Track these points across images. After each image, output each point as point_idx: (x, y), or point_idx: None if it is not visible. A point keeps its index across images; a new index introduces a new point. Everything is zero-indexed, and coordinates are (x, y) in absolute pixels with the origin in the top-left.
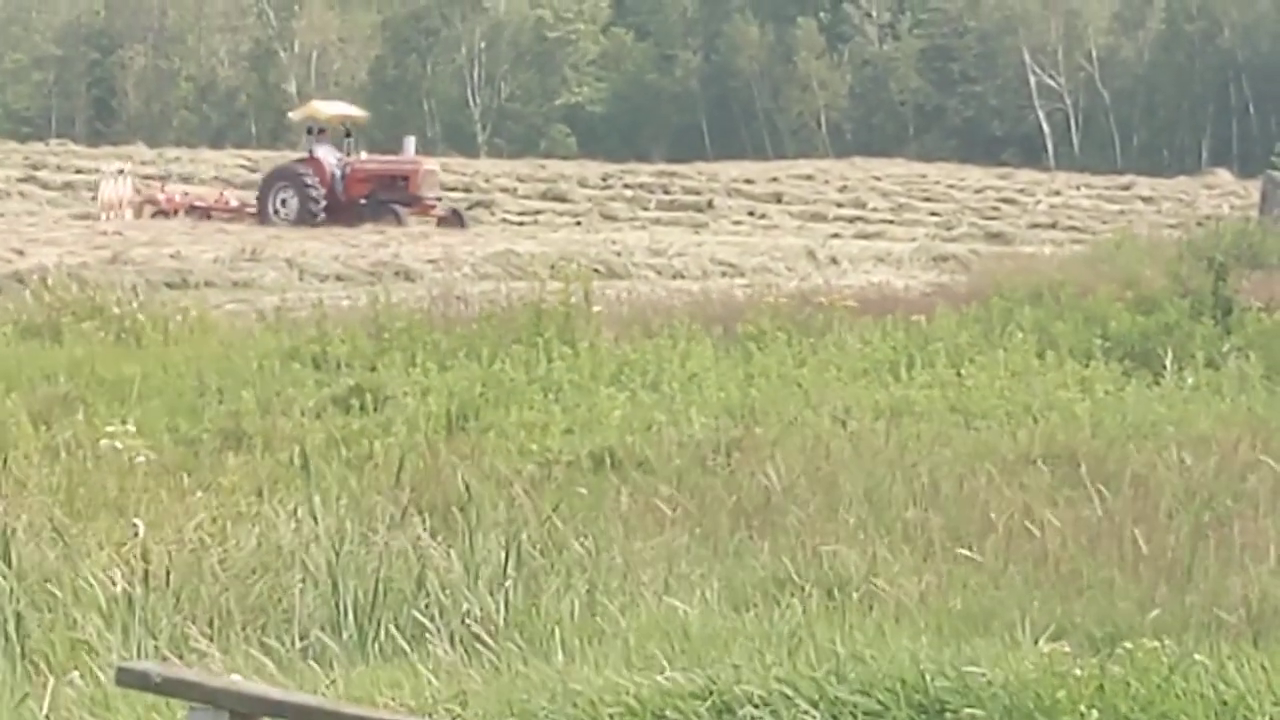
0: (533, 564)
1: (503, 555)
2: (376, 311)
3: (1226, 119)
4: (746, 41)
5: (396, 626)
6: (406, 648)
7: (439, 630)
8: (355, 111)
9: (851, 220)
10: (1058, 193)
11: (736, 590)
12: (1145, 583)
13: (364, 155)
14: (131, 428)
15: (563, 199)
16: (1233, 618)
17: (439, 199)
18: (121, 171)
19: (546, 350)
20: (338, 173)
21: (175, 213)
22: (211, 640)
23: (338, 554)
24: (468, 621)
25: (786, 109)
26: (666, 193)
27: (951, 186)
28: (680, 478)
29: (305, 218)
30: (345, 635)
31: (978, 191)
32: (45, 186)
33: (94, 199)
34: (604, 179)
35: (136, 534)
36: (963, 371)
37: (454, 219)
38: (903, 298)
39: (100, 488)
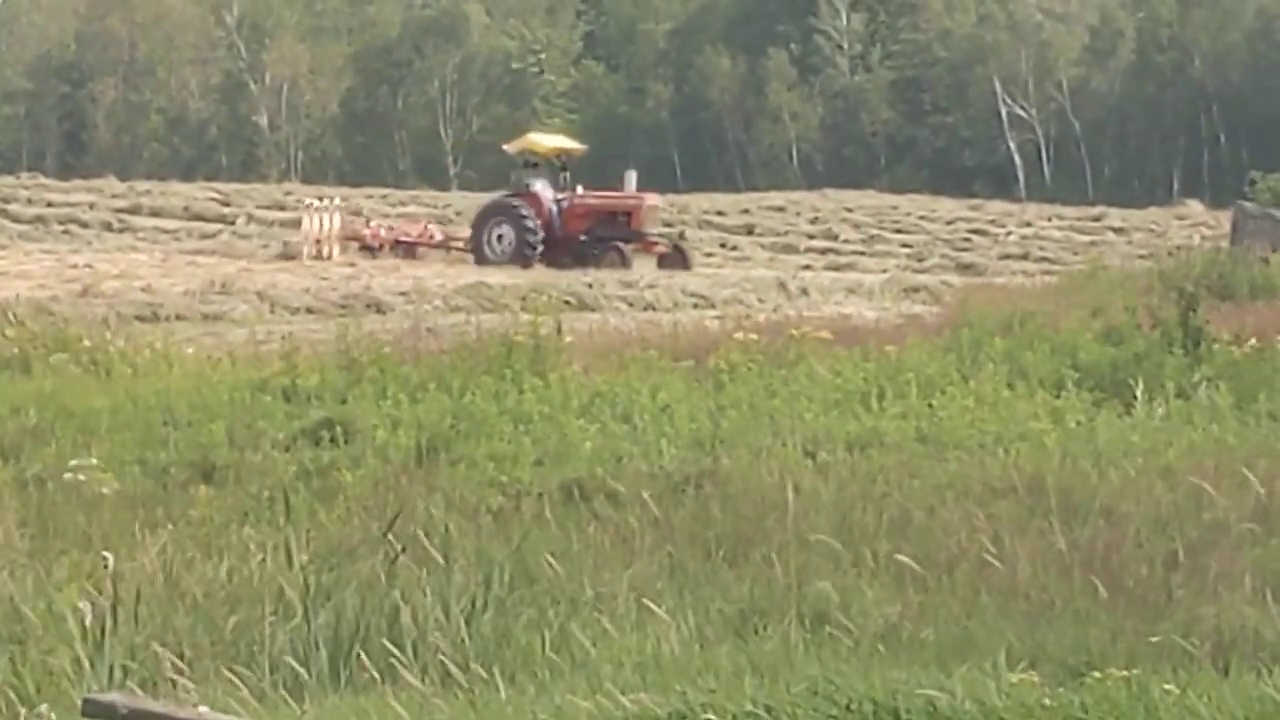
0: (503, 595)
1: (473, 587)
2: (347, 344)
3: (1197, 149)
4: (718, 73)
5: (368, 658)
6: (378, 679)
7: (411, 661)
8: (572, 144)
9: (823, 252)
10: (1029, 224)
11: (708, 621)
12: (1118, 612)
13: (580, 190)
14: (94, 460)
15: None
16: (1205, 647)
17: (662, 236)
18: (328, 207)
19: (517, 382)
20: (554, 208)
21: (381, 248)
22: (182, 673)
23: (308, 586)
24: (439, 653)
25: (758, 140)
26: None
27: (923, 218)
28: (650, 509)
29: (522, 255)
30: (317, 667)
31: (949, 223)
32: (15, 220)
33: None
34: None
35: (106, 566)
36: (934, 402)
37: (677, 256)
38: (874, 329)
39: (70, 521)
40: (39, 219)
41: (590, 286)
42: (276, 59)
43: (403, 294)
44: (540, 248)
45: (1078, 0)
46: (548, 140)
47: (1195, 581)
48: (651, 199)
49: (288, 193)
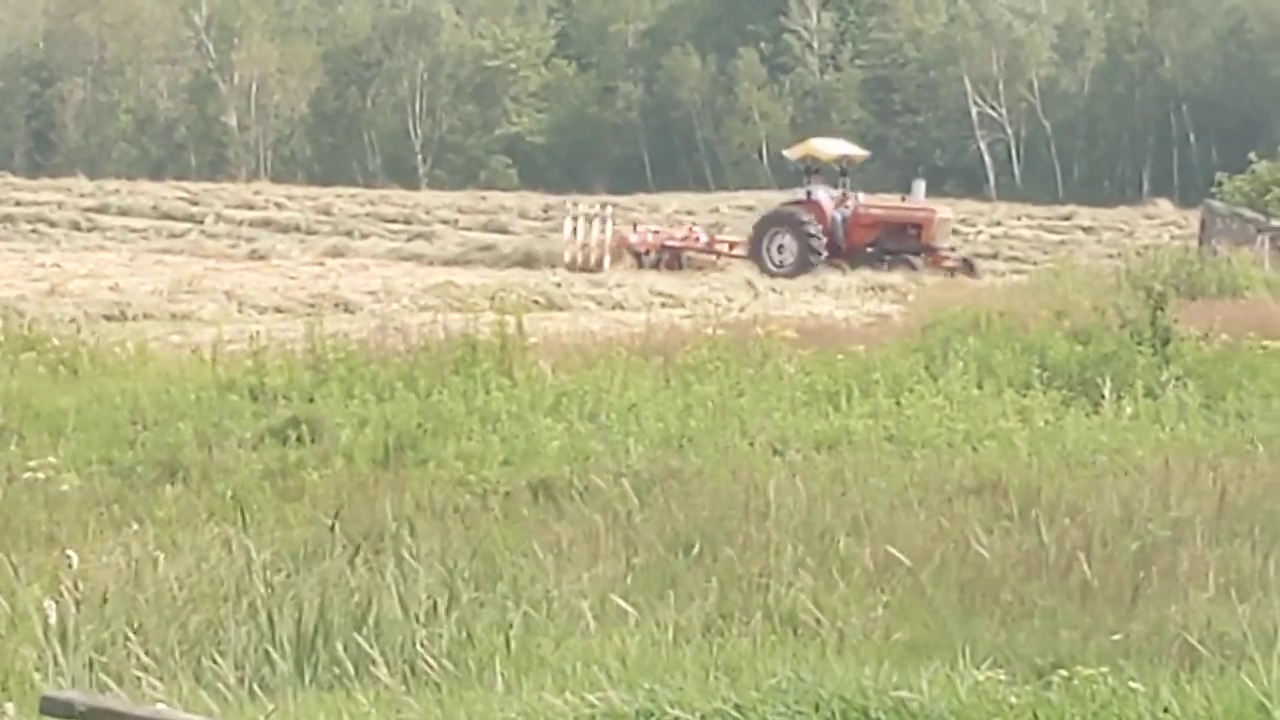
0: (470, 594)
1: (439, 585)
2: (314, 343)
3: (1167, 149)
4: (688, 73)
5: (333, 657)
6: (345, 677)
7: (377, 660)
8: (856, 151)
9: None
10: (999, 223)
11: (675, 620)
12: (1086, 611)
13: (862, 197)
14: (53, 459)
15: (503, 230)
16: (1173, 646)
17: (952, 249)
18: (596, 214)
19: (484, 381)
20: (838, 216)
21: (648, 254)
22: (147, 670)
23: (273, 585)
24: (405, 651)
25: (728, 140)
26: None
27: None
28: (617, 508)
29: (804, 265)
30: (283, 665)
31: None
32: None
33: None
34: (545, 210)
35: (71, 565)
36: (902, 401)
37: (965, 270)
38: (842, 328)
39: (35, 520)
40: (7, 218)
41: (559, 286)
42: (245, 59)
43: (371, 293)
44: (824, 257)
45: (1048, 0)
46: (831, 147)
47: (1162, 580)
48: (943, 212)
49: (256, 192)
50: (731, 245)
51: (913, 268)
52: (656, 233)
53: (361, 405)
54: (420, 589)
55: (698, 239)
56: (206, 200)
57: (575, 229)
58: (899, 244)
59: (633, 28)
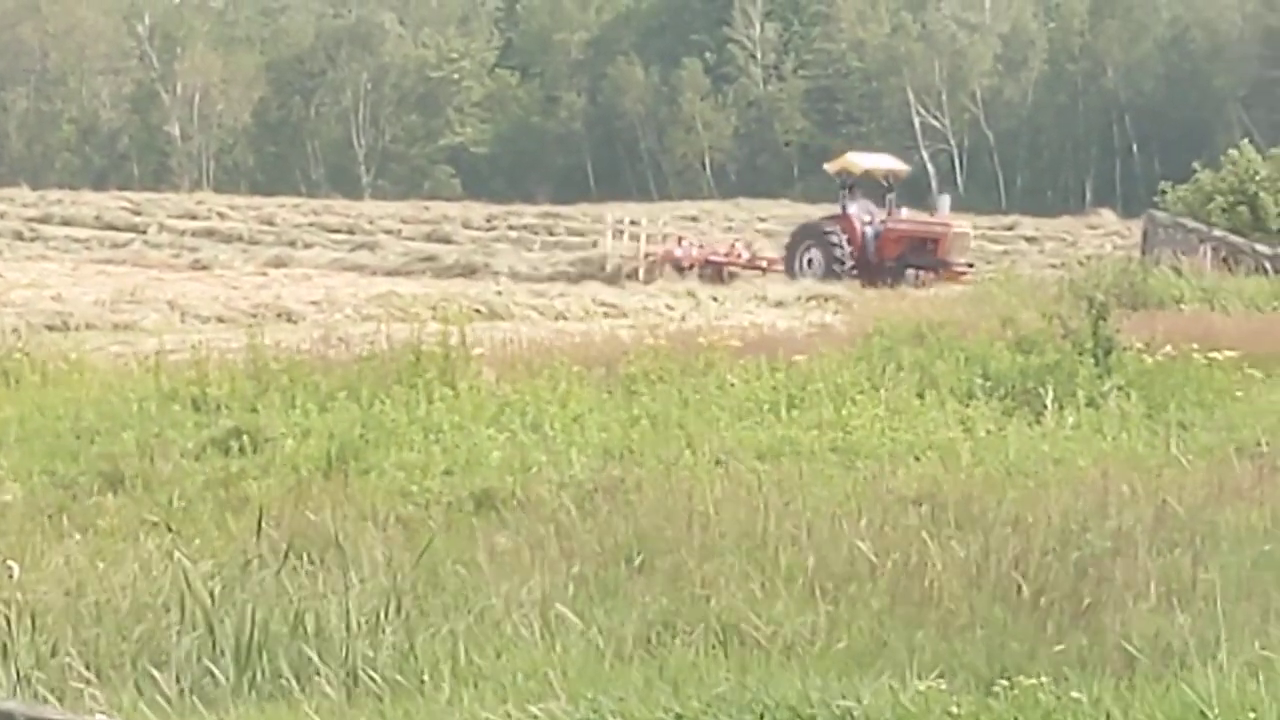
0: (411, 605)
1: (381, 596)
2: (256, 353)
3: (1110, 159)
4: (631, 83)
5: (275, 667)
6: (287, 688)
7: (319, 670)
8: (897, 165)
9: None
10: None
11: (617, 631)
12: (1029, 621)
13: (904, 212)
14: None
15: (446, 240)
16: (1114, 656)
17: (970, 265)
18: (637, 227)
19: (427, 391)
20: (869, 232)
21: (690, 268)
22: (89, 681)
23: (214, 596)
24: (347, 662)
25: (671, 150)
26: (551, 234)
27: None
28: (559, 519)
29: (830, 277)
30: (224, 676)
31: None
32: None
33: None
34: (488, 220)
35: (12, 576)
36: (844, 411)
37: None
38: (784, 338)
39: None
40: None
41: (500, 294)
42: (188, 69)
43: (313, 303)
44: (849, 272)
45: (991, 10)
46: (862, 160)
47: (1103, 590)
48: (960, 226)
49: (199, 202)
50: (770, 261)
51: (921, 283)
52: (701, 248)
53: (304, 415)
54: (362, 599)
55: (740, 255)
56: (149, 210)
57: (621, 240)
58: (919, 258)
59: (576, 38)
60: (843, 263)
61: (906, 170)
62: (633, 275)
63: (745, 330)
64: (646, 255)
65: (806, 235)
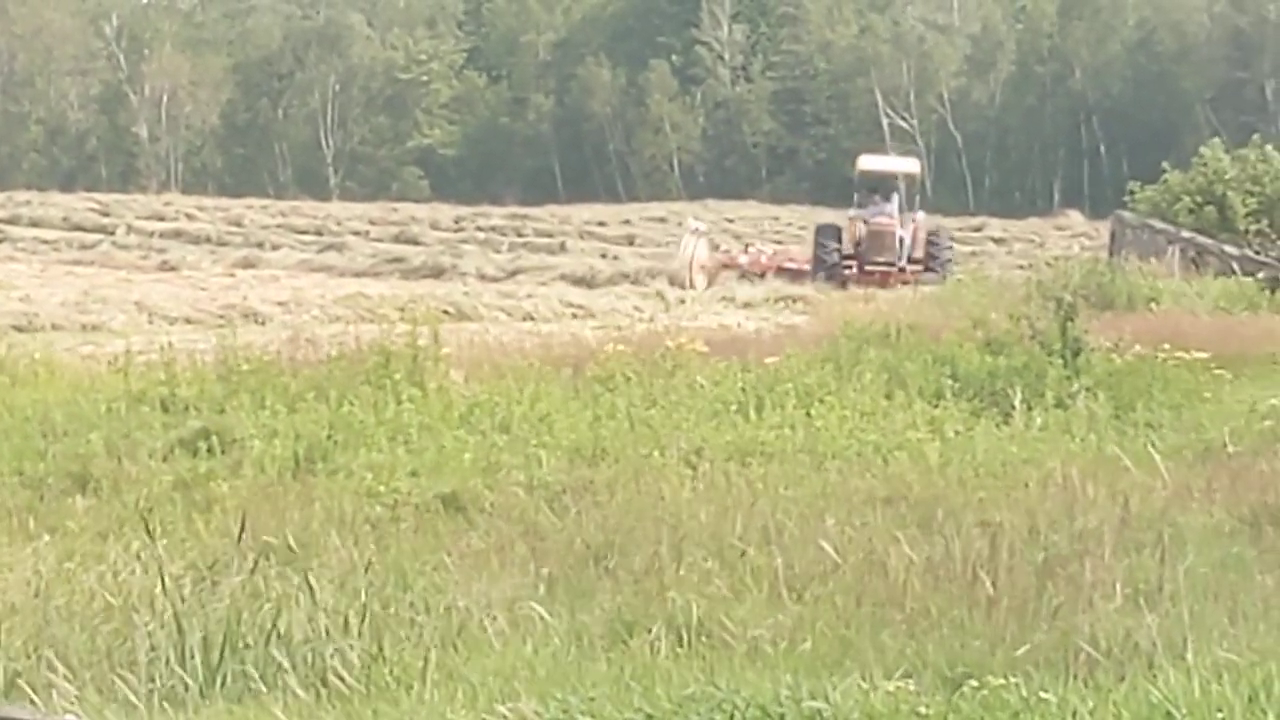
0: (379, 606)
1: (350, 597)
2: (225, 354)
3: (1078, 160)
4: (599, 85)
5: (244, 669)
6: (256, 689)
7: (288, 672)
8: (903, 166)
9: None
10: None
11: (585, 631)
12: (995, 622)
13: (920, 215)
14: None
15: (414, 242)
16: (1079, 656)
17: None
18: (698, 231)
19: (395, 392)
20: (904, 235)
21: (763, 275)
22: (57, 684)
23: (182, 597)
24: (315, 663)
25: (639, 151)
26: (519, 235)
27: (803, 228)
28: (527, 520)
29: (837, 275)
30: (193, 677)
31: None
32: None
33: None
34: (456, 222)
35: None
36: (812, 412)
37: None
38: (752, 339)
39: None
40: None
41: (468, 295)
42: (156, 70)
43: (281, 304)
44: (846, 270)
45: (959, 12)
46: (871, 163)
47: (1068, 590)
48: (920, 223)
49: (167, 203)
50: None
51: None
52: (775, 253)
53: (272, 416)
54: (330, 600)
55: (794, 259)
56: (117, 211)
57: (692, 246)
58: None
59: (544, 39)
60: (837, 262)
61: (914, 172)
62: (693, 281)
63: (713, 332)
64: (724, 264)
65: (826, 235)
